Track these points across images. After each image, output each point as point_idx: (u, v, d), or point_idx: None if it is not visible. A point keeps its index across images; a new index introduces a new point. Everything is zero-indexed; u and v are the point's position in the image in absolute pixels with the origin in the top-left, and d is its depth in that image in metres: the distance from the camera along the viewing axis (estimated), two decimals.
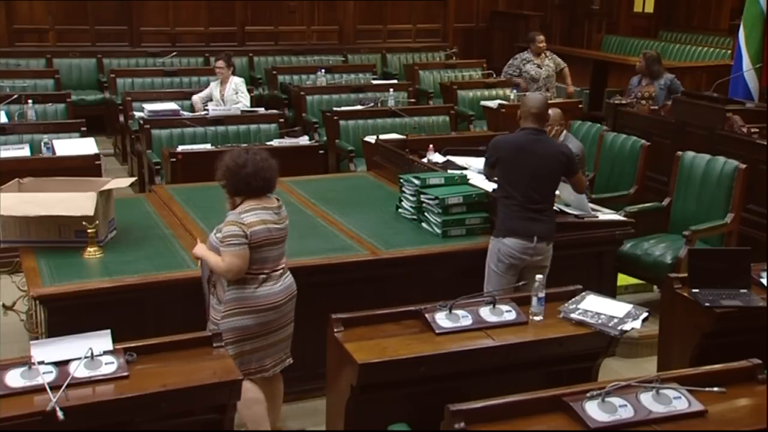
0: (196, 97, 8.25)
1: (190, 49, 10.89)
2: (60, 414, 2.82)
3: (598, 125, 6.77)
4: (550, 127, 5.84)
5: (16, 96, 7.76)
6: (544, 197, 4.44)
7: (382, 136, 6.52)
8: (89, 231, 4.34)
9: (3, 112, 7.40)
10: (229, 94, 8.10)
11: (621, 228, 5.00)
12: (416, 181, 4.98)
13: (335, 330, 3.51)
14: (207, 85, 8.51)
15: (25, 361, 3.06)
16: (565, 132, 5.92)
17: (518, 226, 4.36)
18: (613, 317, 3.66)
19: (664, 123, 7.34)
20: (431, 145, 6.00)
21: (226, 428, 3.26)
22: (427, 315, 3.63)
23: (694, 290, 4.03)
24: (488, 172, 4.69)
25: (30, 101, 7.65)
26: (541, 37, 9.27)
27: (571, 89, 9.43)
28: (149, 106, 7.67)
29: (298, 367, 4.42)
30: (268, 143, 6.95)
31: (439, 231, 4.75)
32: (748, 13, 7.76)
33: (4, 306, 5.24)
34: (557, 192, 5.19)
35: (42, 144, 6.54)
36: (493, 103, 8.60)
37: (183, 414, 3.15)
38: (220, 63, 8.17)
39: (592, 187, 6.17)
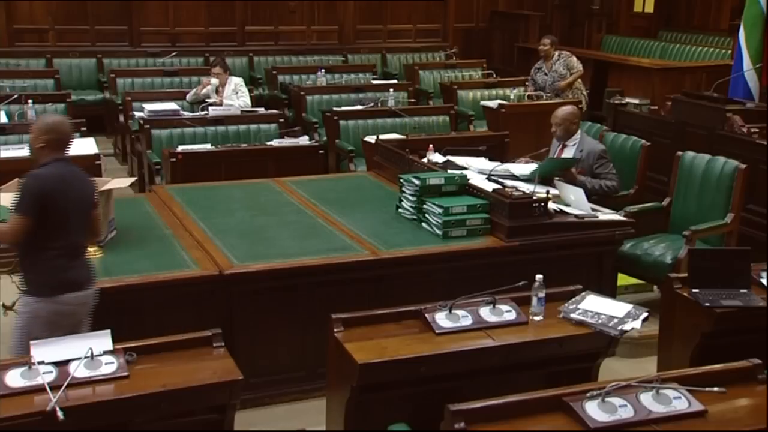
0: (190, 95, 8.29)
1: (190, 49, 10.88)
2: (60, 414, 2.82)
3: (598, 125, 6.76)
4: (559, 126, 5.78)
5: (16, 96, 7.75)
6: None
7: (382, 136, 6.51)
8: None
9: (3, 112, 7.40)
10: (229, 94, 8.10)
11: (621, 228, 4.99)
12: (416, 181, 4.97)
13: (335, 330, 3.51)
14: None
15: (25, 361, 3.07)
16: (580, 132, 5.85)
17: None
18: (613, 317, 3.66)
19: (664, 123, 7.33)
20: (431, 145, 5.99)
21: (226, 428, 3.26)
22: (427, 315, 3.63)
23: (694, 290, 4.03)
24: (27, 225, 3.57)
25: (30, 101, 7.64)
26: (545, 41, 9.02)
27: (563, 84, 8.81)
28: (149, 106, 7.67)
29: (298, 367, 4.44)
30: (268, 143, 6.95)
31: (440, 232, 4.74)
32: (748, 13, 7.76)
33: (4, 306, 5.23)
34: (555, 192, 5.19)
35: None
36: (493, 103, 8.58)
37: (183, 414, 3.15)
38: (217, 69, 8.17)
39: None
